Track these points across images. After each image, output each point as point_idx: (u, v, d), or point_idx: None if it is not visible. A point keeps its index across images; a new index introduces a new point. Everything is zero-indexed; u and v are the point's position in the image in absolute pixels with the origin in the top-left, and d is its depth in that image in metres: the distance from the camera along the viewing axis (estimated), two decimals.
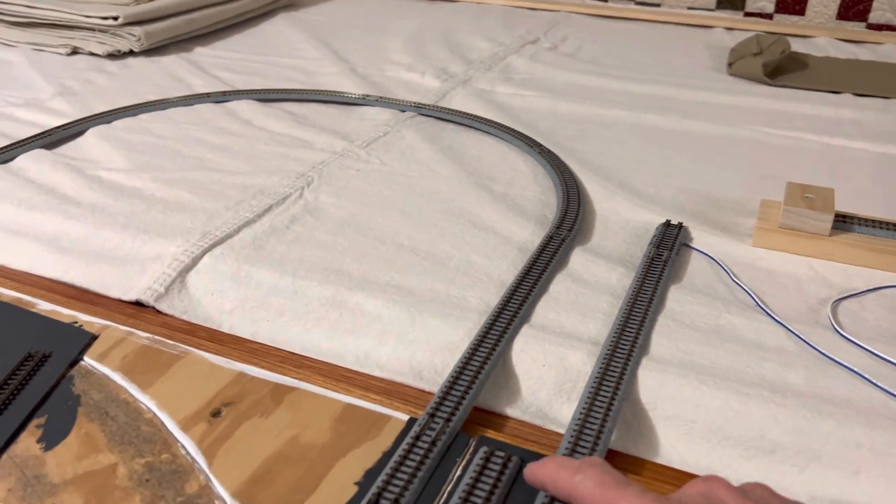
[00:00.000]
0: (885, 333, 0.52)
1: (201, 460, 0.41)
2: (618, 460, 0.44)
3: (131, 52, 1.12)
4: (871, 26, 1.33)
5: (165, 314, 0.55)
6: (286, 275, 0.57)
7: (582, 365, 0.49)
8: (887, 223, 0.61)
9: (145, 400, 0.45)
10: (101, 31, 1.10)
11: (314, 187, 0.71)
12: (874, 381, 0.47)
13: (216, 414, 0.44)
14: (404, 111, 0.91)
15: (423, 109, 0.91)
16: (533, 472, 0.38)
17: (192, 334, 0.53)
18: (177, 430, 0.43)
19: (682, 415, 0.46)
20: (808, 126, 0.88)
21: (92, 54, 1.11)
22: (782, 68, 1.05)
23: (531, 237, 0.64)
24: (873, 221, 0.61)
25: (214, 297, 0.57)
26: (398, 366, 0.51)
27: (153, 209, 0.66)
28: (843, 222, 0.61)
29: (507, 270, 0.59)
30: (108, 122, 0.86)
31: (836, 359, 0.49)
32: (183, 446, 0.42)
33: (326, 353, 0.52)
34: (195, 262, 0.59)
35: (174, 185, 0.71)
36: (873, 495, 0.41)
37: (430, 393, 0.49)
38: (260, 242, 0.61)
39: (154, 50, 1.14)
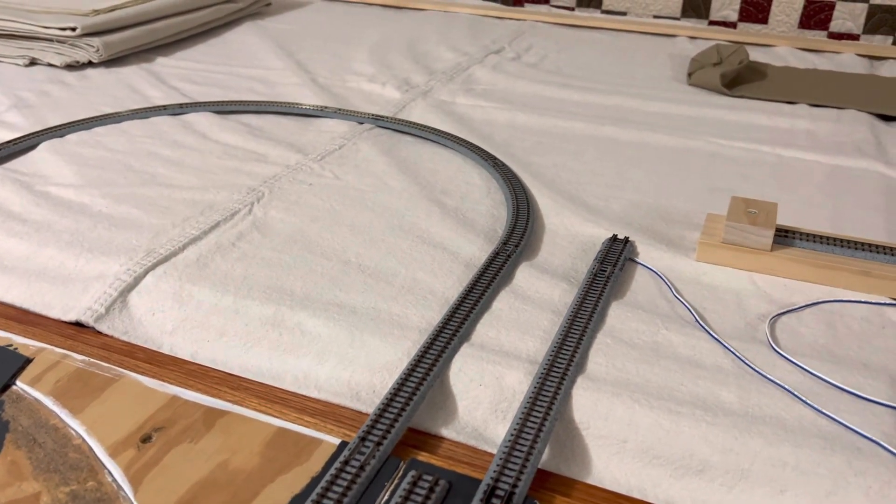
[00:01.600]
0: (820, 350, 0.53)
1: (127, 488, 0.41)
2: (550, 480, 0.44)
3: (90, 63, 1.11)
4: (831, 35, 1.35)
5: (105, 335, 0.55)
6: (228, 294, 0.57)
7: (518, 384, 0.49)
8: (828, 238, 0.62)
9: (75, 425, 0.45)
10: (59, 41, 1.10)
11: (264, 202, 0.71)
12: (805, 399, 0.47)
13: (146, 439, 0.44)
14: (362, 123, 0.91)
15: (381, 122, 0.91)
16: None
17: (130, 356, 0.53)
18: (105, 457, 0.43)
19: (615, 434, 0.46)
20: (762, 137, 0.89)
21: (50, 65, 1.10)
22: (741, 78, 1.06)
23: (479, 253, 0.64)
24: (814, 236, 0.62)
25: (156, 317, 0.56)
26: (336, 386, 0.50)
27: (99, 226, 0.66)
28: (785, 237, 0.62)
29: (451, 287, 0.59)
30: (62, 135, 0.85)
31: (769, 376, 0.49)
32: (110, 473, 0.42)
33: (266, 373, 0.52)
34: (137, 281, 0.58)
35: (123, 200, 0.70)
36: None
37: (366, 414, 0.49)
38: (204, 260, 0.61)
39: (114, 61, 1.13)
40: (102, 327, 0.55)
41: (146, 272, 0.59)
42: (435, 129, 0.88)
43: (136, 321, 0.56)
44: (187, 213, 0.68)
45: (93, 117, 0.90)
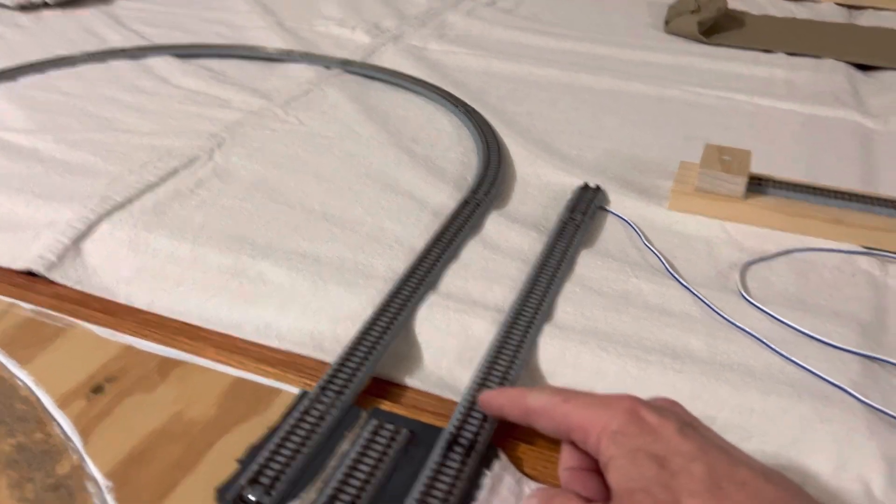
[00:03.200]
0: (790, 298, 0.52)
1: (76, 439, 0.39)
2: (515, 430, 0.43)
3: (45, 5, 1.06)
4: None
5: (58, 284, 0.53)
6: (186, 242, 0.55)
7: (485, 333, 0.48)
8: (801, 185, 0.61)
9: (23, 376, 0.43)
10: None
11: (226, 149, 0.68)
12: (773, 346, 0.46)
13: (98, 390, 0.42)
14: (330, 68, 0.88)
15: (349, 67, 0.88)
16: (488, 399, 0.40)
17: (84, 305, 0.51)
18: (53, 408, 0.41)
19: (582, 382, 0.45)
20: (739, 86, 0.88)
21: (3, 6, 1.04)
22: (718, 26, 1.04)
23: (448, 201, 0.63)
24: (787, 184, 0.61)
25: (110, 266, 0.54)
26: (299, 336, 0.49)
27: (51, 172, 0.63)
28: (759, 185, 0.61)
29: (419, 236, 0.58)
30: (13, 79, 0.82)
31: (738, 324, 0.48)
32: (58, 425, 0.40)
33: (225, 323, 0.50)
34: (91, 228, 0.56)
35: (77, 146, 0.68)
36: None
37: (329, 364, 0.47)
38: (162, 208, 0.59)
39: (71, 2, 1.08)
40: (54, 276, 0.53)
41: (100, 219, 0.56)
42: (405, 76, 0.85)
43: (90, 270, 0.54)
44: (145, 159, 0.65)
45: (47, 60, 0.86)
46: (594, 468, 0.36)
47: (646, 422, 0.33)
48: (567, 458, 0.37)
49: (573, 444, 0.36)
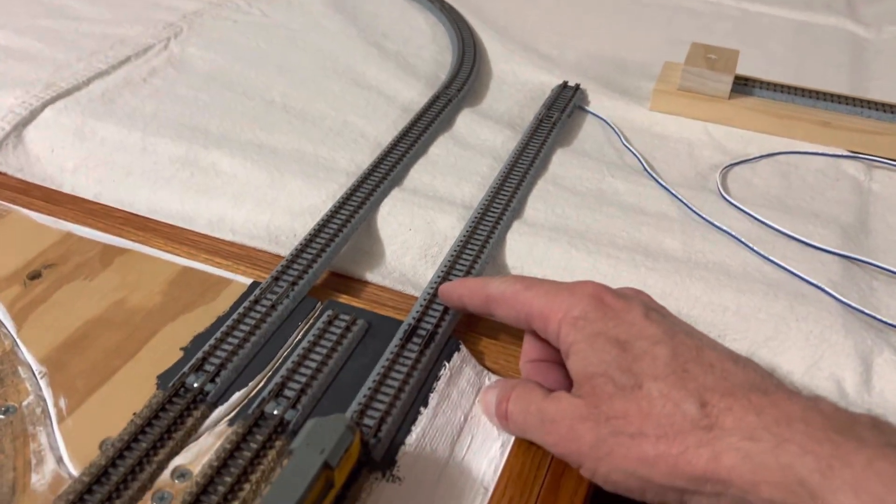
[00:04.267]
0: (772, 200, 0.50)
1: (9, 324, 0.37)
2: (477, 324, 0.41)
3: None
4: None
5: None
6: (136, 130, 0.51)
7: (451, 229, 0.45)
8: (788, 87, 0.58)
9: None
10: None
11: (182, 38, 0.64)
12: (751, 245, 0.44)
13: (34, 276, 0.40)
14: None
15: None
16: (448, 290, 0.38)
17: (24, 193, 0.48)
18: None
19: (549, 278, 0.43)
20: None
21: None
22: None
23: (419, 98, 0.59)
24: (774, 85, 0.58)
25: (55, 154, 0.51)
26: (254, 230, 0.46)
27: None
28: (745, 85, 0.58)
29: (385, 131, 0.54)
30: None
31: (715, 223, 0.46)
32: None
33: (176, 215, 0.47)
34: (34, 115, 0.52)
35: (23, 33, 0.63)
36: None
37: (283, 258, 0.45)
38: (111, 96, 0.55)
39: None
40: None
41: (44, 106, 0.53)
42: None
43: (32, 158, 0.51)
44: (95, 48, 0.61)
45: None
46: (556, 359, 0.34)
47: (609, 307, 0.31)
48: (528, 349, 0.35)
49: (535, 334, 0.35)
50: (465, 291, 0.36)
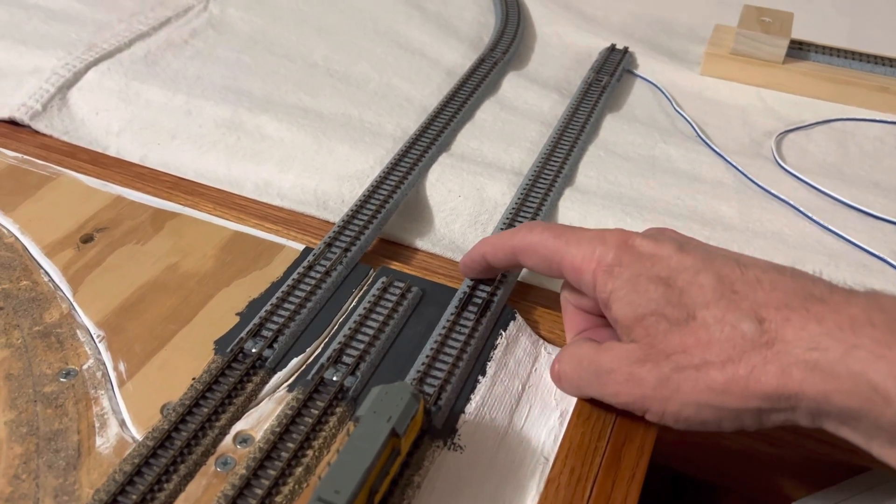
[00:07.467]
0: (828, 167, 0.49)
1: (65, 288, 0.37)
2: (530, 293, 0.41)
3: None
4: None
5: (43, 134, 0.49)
6: (180, 93, 0.51)
7: (501, 196, 0.45)
8: (846, 51, 0.56)
9: (7, 223, 0.40)
10: None
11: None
12: (810, 215, 0.43)
13: (87, 240, 0.40)
14: None
15: None
16: (468, 256, 0.36)
17: (72, 156, 0.47)
18: (40, 256, 0.38)
19: None
20: None
21: None
22: None
23: (462, 61, 0.58)
24: (831, 49, 0.56)
25: (100, 117, 0.50)
26: (301, 195, 0.46)
27: (34, 18, 0.58)
28: (799, 49, 0.56)
29: (430, 95, 0.54)
30: None
31: (773, 191, 0.45)
32: (46, 273, 0.38)
33: (223, 180, 0.47)
34: (78, 77, 0.52)
35: None
36: None
37: (333, 224, 0.44)
38: (153, 58, 0.54)
39: None
40: (39, 126, 0.49)
41: (88, 68, 0.52)
42: None
43: (77, 121, 0.50)
44: (134, 8, 0.60)
45: None
46: (600, 324, 0.34)
47: (640, 250, 0.30)
48: (570, 324, 0.35)
49: (570, 307, 0.35)
50: (488, 248, 0.35)
